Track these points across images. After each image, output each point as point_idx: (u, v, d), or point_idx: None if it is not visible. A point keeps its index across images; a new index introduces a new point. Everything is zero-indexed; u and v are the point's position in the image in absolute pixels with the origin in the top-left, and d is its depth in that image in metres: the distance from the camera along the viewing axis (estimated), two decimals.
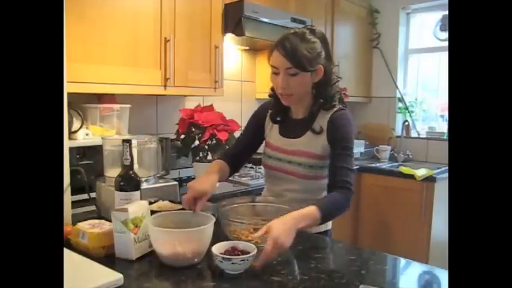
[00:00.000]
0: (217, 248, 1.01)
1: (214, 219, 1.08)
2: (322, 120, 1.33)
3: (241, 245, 1.05)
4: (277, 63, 1.26)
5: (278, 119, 1.42)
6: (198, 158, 2.08)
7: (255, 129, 1.48)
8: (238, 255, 0.99)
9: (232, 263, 0.96)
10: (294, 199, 1.33)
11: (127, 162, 1.19)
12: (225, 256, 0.97)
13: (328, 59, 1.30)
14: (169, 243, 1.00)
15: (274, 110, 1.43)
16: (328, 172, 1.31)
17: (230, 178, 2.28)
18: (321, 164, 1.33)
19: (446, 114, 3.37)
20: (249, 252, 0.99)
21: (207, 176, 1.31)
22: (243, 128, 1.55)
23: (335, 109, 1.32)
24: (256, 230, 1.13)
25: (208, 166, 2.04)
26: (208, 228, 1.04)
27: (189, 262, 1.02)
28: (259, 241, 1.13)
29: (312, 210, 1.12)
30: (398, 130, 3.47)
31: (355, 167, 2.88)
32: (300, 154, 1.33)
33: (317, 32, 1.30)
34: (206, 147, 2.03)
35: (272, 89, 1.37)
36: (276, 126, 1.43)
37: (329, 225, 1.44)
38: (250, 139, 1.49)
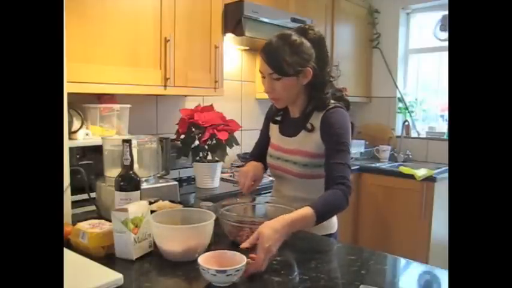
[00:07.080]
0: (204, 261, 0.91)
1: (213, 214, 1.10)
2: (315, 119, 1.32)
3: (223, 254, 0.97)
4: (262, 68, 1.28)
5: (277, 119, 1.45)
6: (198, 158, 2.08)
7: (266, 128, 1.51)
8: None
9: (227, 275, 0.88)
10: (296, 198, 1.33)
11: (127, 162, 1.19)
12: (218, 269, 0.88)
13: (321, 61, 1.28)
14: (183, 239, 1.02)
15: (274, 110, 1.47)
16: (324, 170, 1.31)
17: (230, 178, 2.30)
18: (315, 163, 1.31)
19: (446, 114, 3.37)
20: (237, 263, 0.91)
21: (253, 164, 1.43)
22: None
23: (329, 107, 1.30)
24: (256, 230, 1.13)
25: (208, 167, 2.06)
26: (212, 223, 1.09)
27: (194, 257, 1.02)
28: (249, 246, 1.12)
29: (306, 211, 1.09)
30: (398, 130, 3.47)
31: (355, 167, 2.93)
32: (295, 153, 1.34)
33: (310, 33, 1.27)
34: (206, 147, 2.03)
35: None
36: (277, 126, 1.46)
37: (335, 227, 1.43)
38: (265, 138, 1.51)
